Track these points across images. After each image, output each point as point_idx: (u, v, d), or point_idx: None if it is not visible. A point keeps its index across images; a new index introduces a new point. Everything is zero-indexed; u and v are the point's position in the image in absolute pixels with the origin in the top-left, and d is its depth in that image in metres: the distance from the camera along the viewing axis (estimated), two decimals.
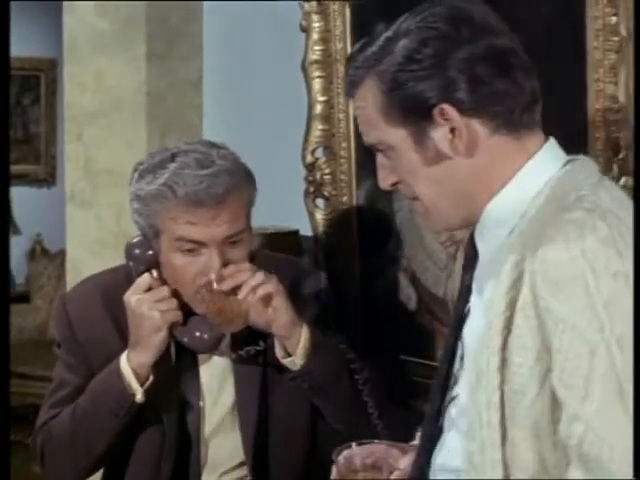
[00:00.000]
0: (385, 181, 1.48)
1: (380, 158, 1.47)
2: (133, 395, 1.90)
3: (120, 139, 2.90)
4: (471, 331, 1.46)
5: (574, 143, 1.66)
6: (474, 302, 1.48)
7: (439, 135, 1.38)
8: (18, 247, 6.39)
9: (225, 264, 1.86)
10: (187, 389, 1.99)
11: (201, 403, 1.99)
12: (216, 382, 2.00)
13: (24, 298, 6.11)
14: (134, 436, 1.99)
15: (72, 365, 2.02)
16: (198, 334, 1.90)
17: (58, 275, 5.85)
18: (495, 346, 1.28)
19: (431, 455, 1.52)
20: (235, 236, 1.87)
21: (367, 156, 2.40)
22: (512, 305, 1.27)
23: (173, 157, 1.86)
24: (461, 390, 1.47)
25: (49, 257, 6.35)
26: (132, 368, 1.89)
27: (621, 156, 1.83)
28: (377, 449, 1.63)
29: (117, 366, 1.91)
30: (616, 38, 1.82)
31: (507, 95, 1.37)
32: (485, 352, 1.29)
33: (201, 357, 1.99)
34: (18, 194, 6.27)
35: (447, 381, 1.51)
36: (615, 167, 1.84)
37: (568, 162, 1.42)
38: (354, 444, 1.62)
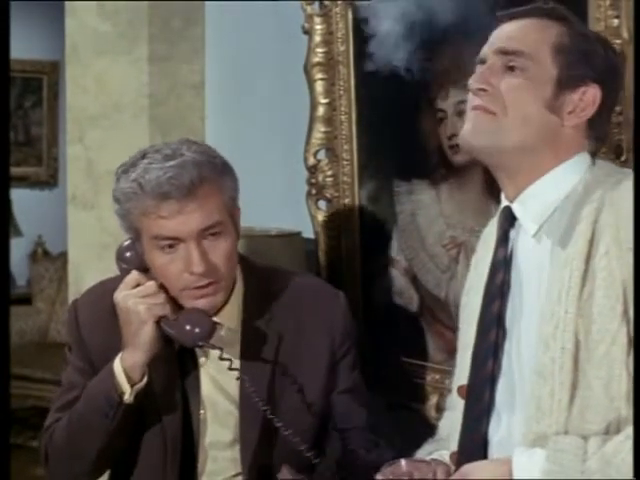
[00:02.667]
0: (483, 81, 1.60)
1: (495, 64, 1.59)
2: (122, 395, 1.88)
3: (122, 141, 2.90)
4: (522, 297, 1.61)
5: None
6: (518, 269, 1.63)
7: (568, 100, 1.58)
8: (19, 249, 6.39)
9: (207, 258, 1.85)
10: (189, 398, 1.97)
11: (202, 412, 1.98)
12: (218, 393, 1.98)
13: (25, 300, 6.09)
14: (138, 443, 1.98)
15: (80, 368, 2.02)
16: (188, 327, 1.87)
17: (59, 277, 5.84)
18: (574, 295, 1.49)
19: (487, 430, 1.61)
20: (212, 228, 1.85)
21: (369, 158, 2.41)
22: (589, 258, 1.50)
23: (144, 155, 1.86)
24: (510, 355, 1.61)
25: (50, 259, 6.34)
26: (124, 368, 1.88)
27: (623, 158, 1.84)
28: (422, 466, 1.64)
29: (110, 366, 1.90)
30: (618, 41, 1.82)
31: (608, 120, 1.66)
32: (563, 302, 1.50)
33: (202, 365, 1.97)
34: (20, 196, 6.27)
35: (497, 346, 1.62)
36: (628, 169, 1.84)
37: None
38: (403, 460, 1.62)
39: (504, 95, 1.58)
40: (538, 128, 1.58)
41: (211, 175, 1.85)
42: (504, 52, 1.60)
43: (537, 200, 1.60)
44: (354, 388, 2.05)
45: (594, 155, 1.64)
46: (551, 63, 1.58)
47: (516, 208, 1.63)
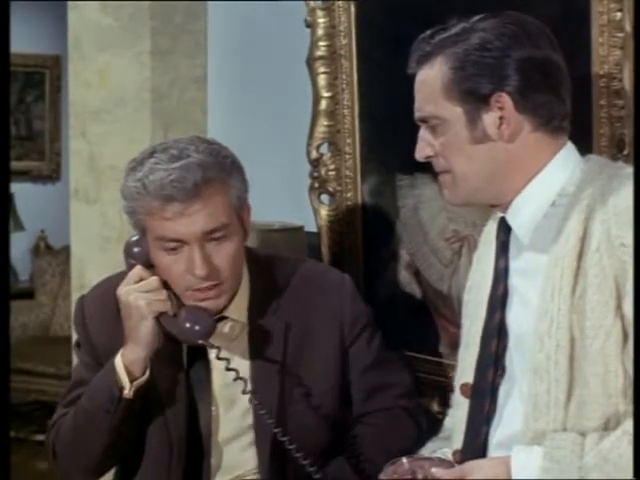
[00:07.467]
0: (422, 152, 1.65)
1: (423, 132, 1.65)
2: (123, 389, 1.88)
3: (124, 135, 2.91)
4: (522, 303, 1.61)
5: (579, 139, 1.67)
6: (517, 277, 1.63)
7: (490, 119, 1.57)
8: (22, 243, 6.40)
9: (210, 262, 1.84)
10: (198, 395, 1.97)
11: (213, 408, 1.97)
12: (230, 389, 1.96)
13: (28, 294, 6.11)
14: (143, 439, 1.98)
15: (87, 364, 2.03)
16: (188, 325, 1.88)
17: (62, 271, 5.85)
18: (567, 293, 1.50)
19: (488, 432, 1.62)
20: (217, 231, 1.84)
21: (371, 152, 2.41)
22: (581, 255, 1.49)
23: (151, 154, 1.85)
24: (514, 362, 1.62)
25: (53, 253, 6.35)
26: (125, 364, 1.89)
27: (626, 152, 1.83)
28: (425, 463, 1.65)
29: (112, 361, 1.91)
30: (621, 34, 1.82)
31: (551, 104, 1.58)
32: (556, 300, 1.50)
33: (214, 363, 1.95)
34: (22, 190, 6.28)
35: (497, 357, 1.63)
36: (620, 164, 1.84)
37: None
38: (405, 459, 1.63)
39: (443, 153, 1.62)
40: (485, 163, 1.60)
41: (217, 176, 1.84)
42: (420, 121, 1.65)
43: (527, 207, 1.61)
44: (372, 366, 2.03)
45: (572, 137, 1.63)
46: (450, 104, 1.59)
47: (509, 219, 1.64)
